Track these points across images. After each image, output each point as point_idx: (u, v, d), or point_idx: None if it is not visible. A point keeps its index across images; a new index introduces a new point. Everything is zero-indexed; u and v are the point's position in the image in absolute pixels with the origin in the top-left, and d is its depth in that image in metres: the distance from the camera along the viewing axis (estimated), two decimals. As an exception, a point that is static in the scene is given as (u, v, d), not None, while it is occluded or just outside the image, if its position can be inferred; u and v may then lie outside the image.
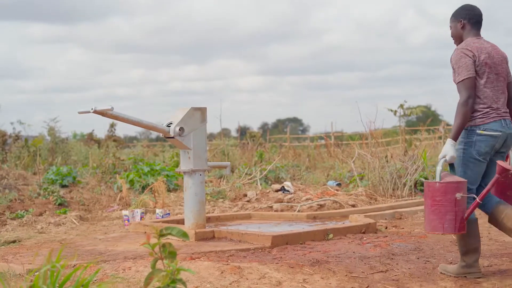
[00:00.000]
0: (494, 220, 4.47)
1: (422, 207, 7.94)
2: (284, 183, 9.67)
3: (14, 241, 6.32)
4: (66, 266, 2.67)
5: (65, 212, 8.12)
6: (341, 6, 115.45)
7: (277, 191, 9.10)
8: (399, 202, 8.43)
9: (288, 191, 9.19)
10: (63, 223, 7.46)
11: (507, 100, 4.46)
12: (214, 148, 15.18)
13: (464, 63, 4.27)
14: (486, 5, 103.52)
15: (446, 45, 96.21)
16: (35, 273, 4.29)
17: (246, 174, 11.24)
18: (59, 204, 8.61)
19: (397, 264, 4.64)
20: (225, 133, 22.69)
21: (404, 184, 9.22)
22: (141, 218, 7.12)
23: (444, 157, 4.24)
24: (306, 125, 58.50)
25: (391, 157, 9.91)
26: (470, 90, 4.23)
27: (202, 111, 5.83)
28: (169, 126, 5.66)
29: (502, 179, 4.32)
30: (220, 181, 11.13)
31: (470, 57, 4.28)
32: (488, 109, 4.30)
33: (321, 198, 8.34)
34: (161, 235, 2.44)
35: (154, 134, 35.47)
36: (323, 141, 22.84)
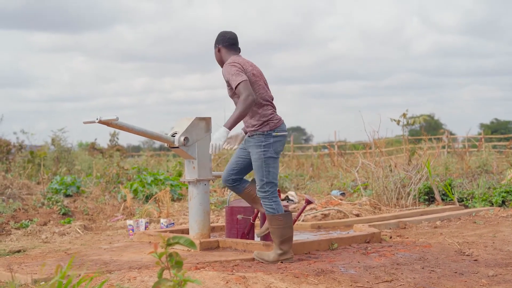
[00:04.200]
0: (244, 195, 5.45)
1: (426, 217, 7.93)
2: (288, 192, 9.68)
3: (18, 251, 6.33)
4: (72, 276, 2.68)
5: (69, 222, 8.13)
6: (345, 14, 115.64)
7: (281, 200, 9.10)
8: (403, 212, 8.43)
9: (292, 200, 9.19)
10: (67, 233, 7.47)
11: None
12: (218, 157, 15.18)
13: (235, 71, 5.01)
14: (489, 12, 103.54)
15: (449, 53, 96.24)
16: (41, 283, 4.30)
17: (250, 183, 11.23)
18: (63, 214, 8.62)
19: (402, 273, 4.64)
20: (228, 142, 22.67)
21: (408, 194, 9.22)
22: (146, 227, 7.12)
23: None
24: (309, 134, 58.54)
25: (395, 166, 9.91)
26: (249, 89, 4.93)
27: (207, 121, 5.85)
28: (174, 136, 5.68)
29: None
30: (224, 191, 11.14)
31: (238, 67, 5.04)
32: (274, 114, 5.15)
33: (325, 207, 8.34)
34: (169, 244, 2.44)
35: (157, 144, 35.48)
36: (326, 150, 22.84)
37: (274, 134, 5.10)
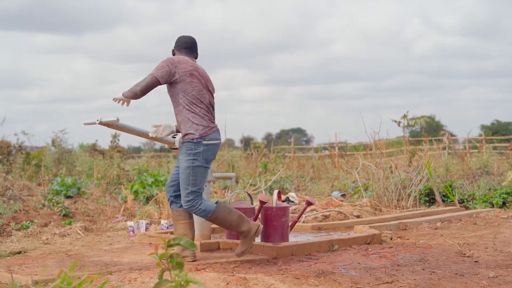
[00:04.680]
0: (174, 212, 5.24)
1: (427, 218, 7.93)
2: (289, 194, 9.67)
3: (19, 252, 6.33)
4: (73, 278, 2.68)
5: (70, 223, 8.13)
6: (347, 16, 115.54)
7: (282, 202, 9.10)
8: (404, 213, 8.43)
9: (293, 202, 9.19)
10: (68, 234, 7.48)
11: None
12: (218, 158, 15.19)
13: (160, 65, 4.96)
14: (490, 14, 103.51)
15: (450, 54, 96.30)
16: (42, 284, 4.30)
17: (250, 184, 11.25)
18: (64, 215, 8.62)
19: (402, 275, 4.64)
20: (229, 143, 22.72)
21: (409, 195, 9.22)
22: (146, 229, 7.12)
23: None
24: (310, 135, 58.54)
25: (396, 167, 9.91)
26: (148, 85, 4.92)
27: (207, 122, 5.84)
28: (174, 137, 5.67)
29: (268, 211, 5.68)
30: (225, 192, 11.14)
31: (167, 63, 4.95)
32: (206, 120, 5.00)
33: (325, 209, 8.34)
34: (169, 245, 2.44)
35: (158, 145, 35.52)
36: (327, 152, 22.84)
37: (204, 142, 4.95)
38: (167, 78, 4.97)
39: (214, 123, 5.11)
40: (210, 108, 5.10)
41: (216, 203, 5.05)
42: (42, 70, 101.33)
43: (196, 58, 5.29)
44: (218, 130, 5.10)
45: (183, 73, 4.98)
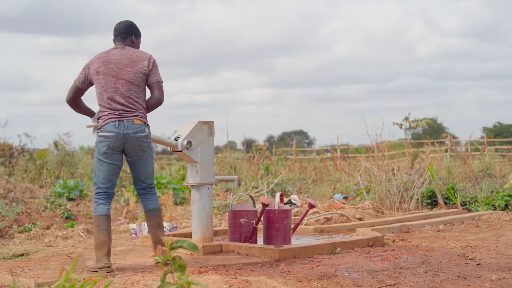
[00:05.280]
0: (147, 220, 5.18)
1: (429, 221, 7.93)
2: (291, 196, 9.67)
3: (22, 255, 6.34)
4: (75, 280, 2.69)
5: (72, 226, 8.14)
6: (348, 17, 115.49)
7: (284, 204, 9.09)
8: (406, 215, 8.42)
9: (295, 204, 9.19)
10: (70, 237, 7.48)
11: (146, 99, 5.03)
12: (220, 161, 15.20)
13: (80, 71, 5.02)
14: (492, 16, 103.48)
15: (452, 56, 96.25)
16: (44, 287, 4.30)
17: (252, 187, 11.25)
18: (66, 218, 8.63)
19: (405, 277, 4.64)
20: (231, 145, 22.72)
21: (411, 197, 9.21)
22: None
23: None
24: (312, 137, 58.55)
25: (398, 170, 9.90)
26: (71, 92, 5.03)
27: (210, 125, 5.86)
28: (177, 140, 5.68)
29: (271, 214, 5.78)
30: (227, 195, 11.14)
31: (84, 70, 4.99)
32: (105, 113, 4.88)
33: (328, 211, 8.34)
34: (172, 248, 2.45)
35: (160, 147, 35.54)
36: (329, 154, 22.83)
37: (99, 133, 4.90)
38: (84, 82, 5.02)
39: (117, 115, 4.88)
40: (113, 100, 4.88)
41: (103, 215, 4.86)
42: (44, 72, 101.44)
43: (132, 41, 5.14)
44: (117, 122, 4.86)
45: (93, 73, 4.96)
